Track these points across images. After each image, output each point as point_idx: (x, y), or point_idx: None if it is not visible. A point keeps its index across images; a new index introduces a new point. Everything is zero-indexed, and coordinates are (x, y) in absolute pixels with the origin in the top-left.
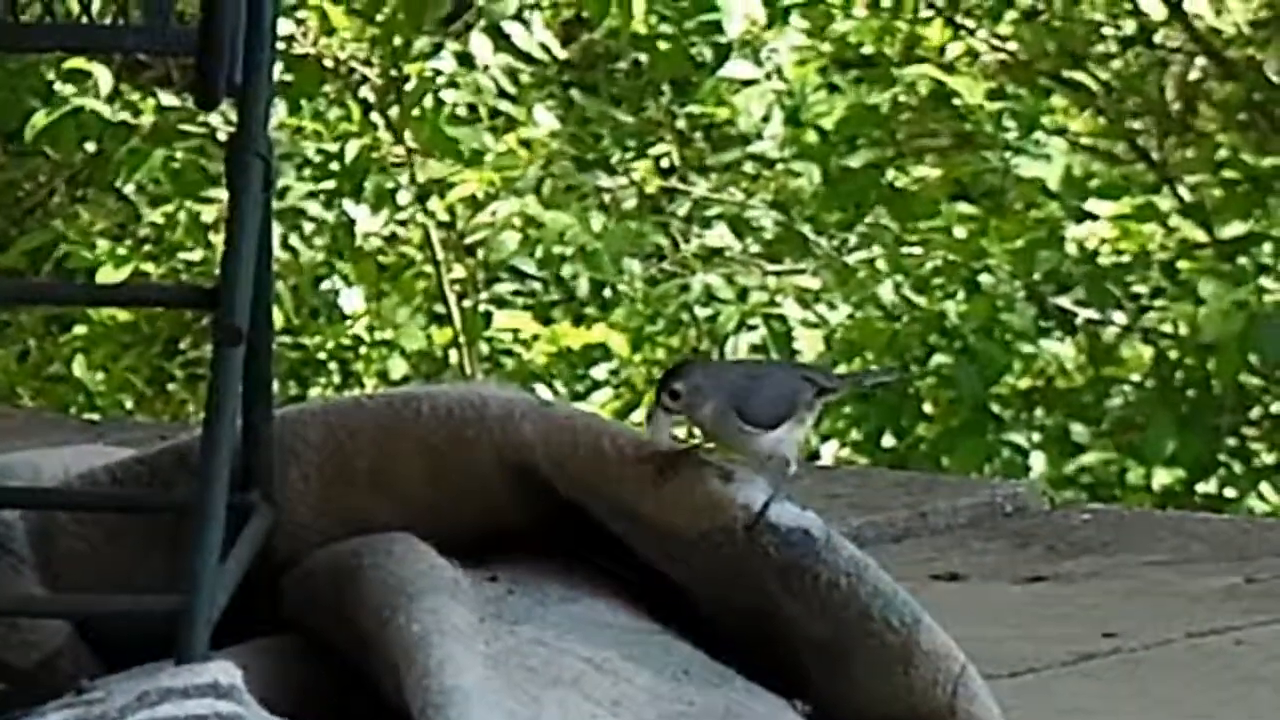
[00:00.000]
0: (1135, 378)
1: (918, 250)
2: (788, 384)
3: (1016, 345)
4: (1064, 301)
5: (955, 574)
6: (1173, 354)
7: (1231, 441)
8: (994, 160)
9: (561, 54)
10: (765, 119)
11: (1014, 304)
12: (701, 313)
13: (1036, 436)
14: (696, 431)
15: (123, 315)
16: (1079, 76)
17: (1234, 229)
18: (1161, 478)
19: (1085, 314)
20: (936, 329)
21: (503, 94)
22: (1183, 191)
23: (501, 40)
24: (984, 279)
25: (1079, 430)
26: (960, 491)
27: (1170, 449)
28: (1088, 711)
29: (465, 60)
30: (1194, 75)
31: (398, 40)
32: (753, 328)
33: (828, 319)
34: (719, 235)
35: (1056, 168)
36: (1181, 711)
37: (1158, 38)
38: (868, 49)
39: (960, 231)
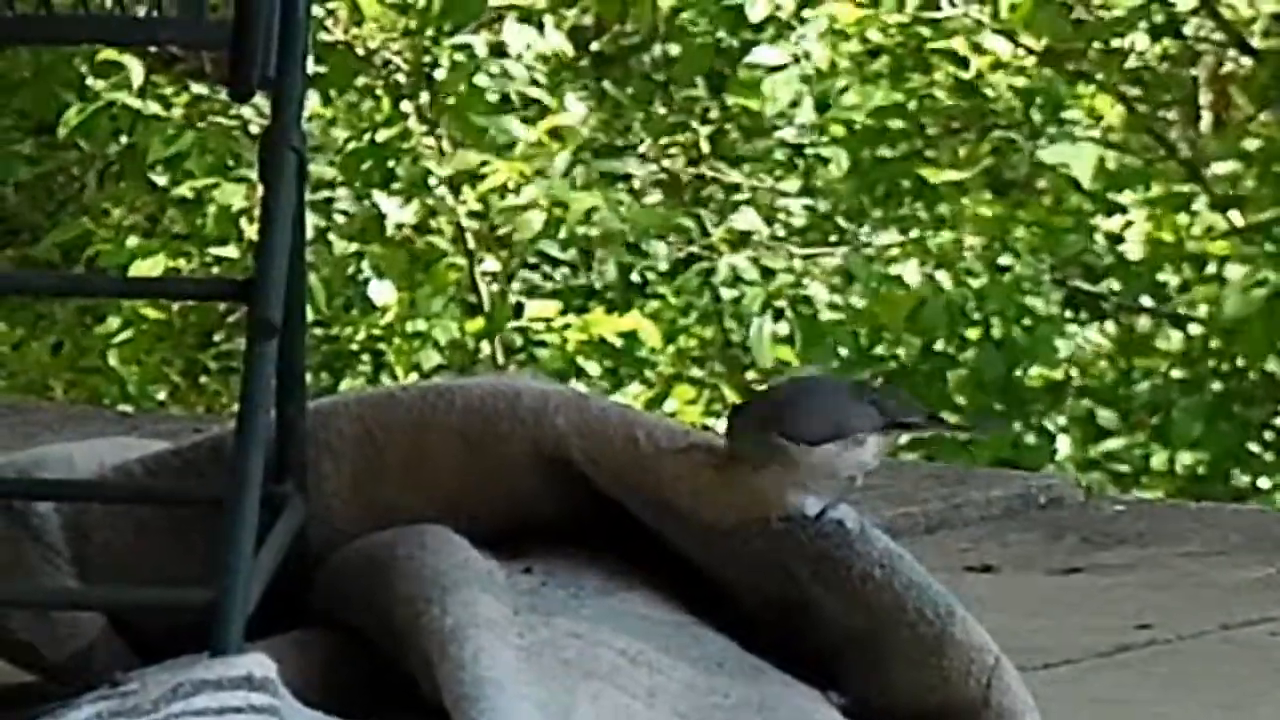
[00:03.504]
0: (1165, 367)
1: (945, 234)
2: (839, 404)
3: (1042, 331)
4: (1090, 288)
5: (989, 565)
6: (1198, 335)
7: (1267, 434)
8: (1019, 144)
9: (571, 51)
10: (794, 104)
11: (1040, 287)
12: (727, 294)
13: (1062, 420)
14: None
15: (154, 310)
16: (1108, 68)
17: (1267, 216)
18: (1185, 462)
19: (1113, 299)
20: (959, 311)
21: (534, 83)
22: (1214, 183)
23: (529, 33)
24: (1007, 260)
25: (1106, 415)
26: (994, 483)
27: (1197, 432)
28: (1122, 702)
29: (496, 50)
30: (1227, 67)
31: (429, 30)
32: (779, 311)
33: (853, 303)
34: (747, 220)
35: (1087, 161)
36: (1216, 702)
37: (1188, 29)
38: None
39: (985, 212)
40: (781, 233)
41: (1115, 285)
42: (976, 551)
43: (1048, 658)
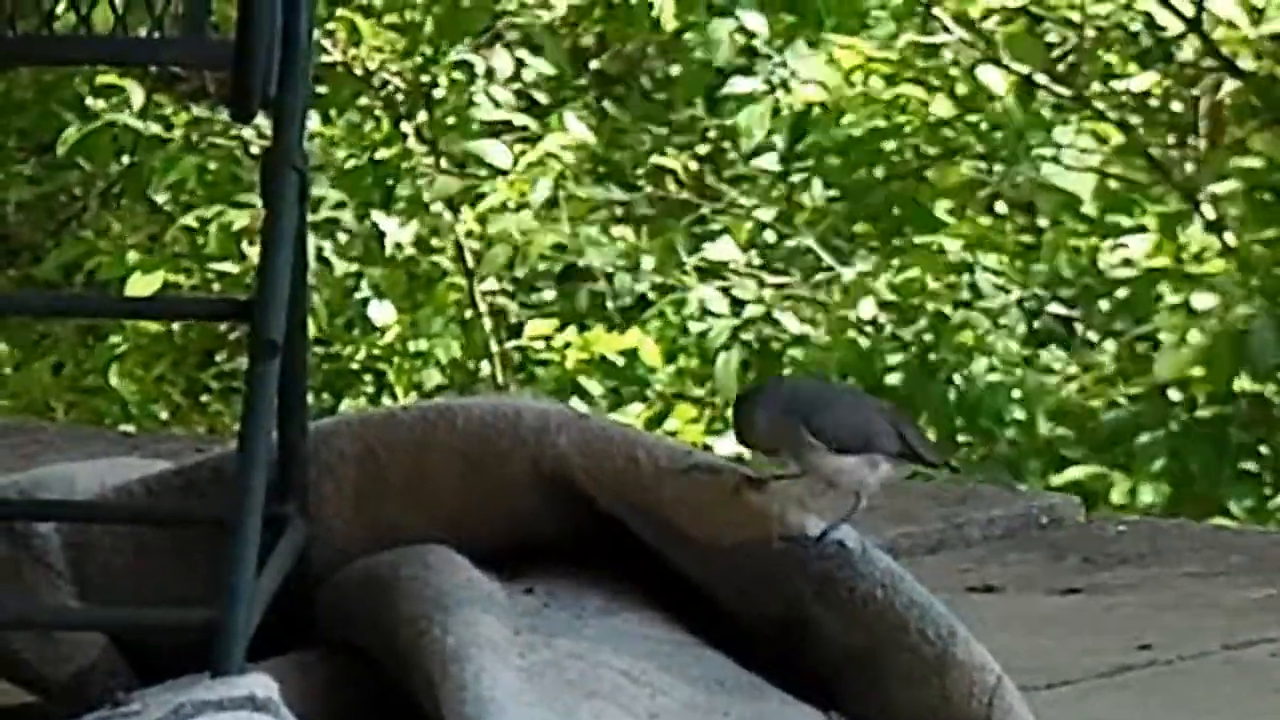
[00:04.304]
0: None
1: (912, 270)
2: (867, 419)
3: (1001, 369)
4: (1066, 313)
5: (991, 586)
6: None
7: (1252, 455)
8: (1016, 169)
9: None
10: (771, 133)
11: (1002, 318)
12: (696, 327)
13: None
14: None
15: (155, 327)
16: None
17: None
18: (1147, 491)
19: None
20: (915, 349)
21: (533, 103)
22: (1207, 207)
23: (525, 54)
24: (975, 290)
25: (1071, 443)
26: (996, 503)
27: (1160, 462)
28: None
29: (492, 74)
30: (1224, 91)
31: (427, 50)
32: (745, 342)
33: (819, 336)
34: (723, 250)
35: (1087, 183)
36: None
37: (1182, 55)
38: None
39: (955, 244)
40: (758, 261)
41: (1098, 308)
42: (978, 572)
43: (1049, 678)
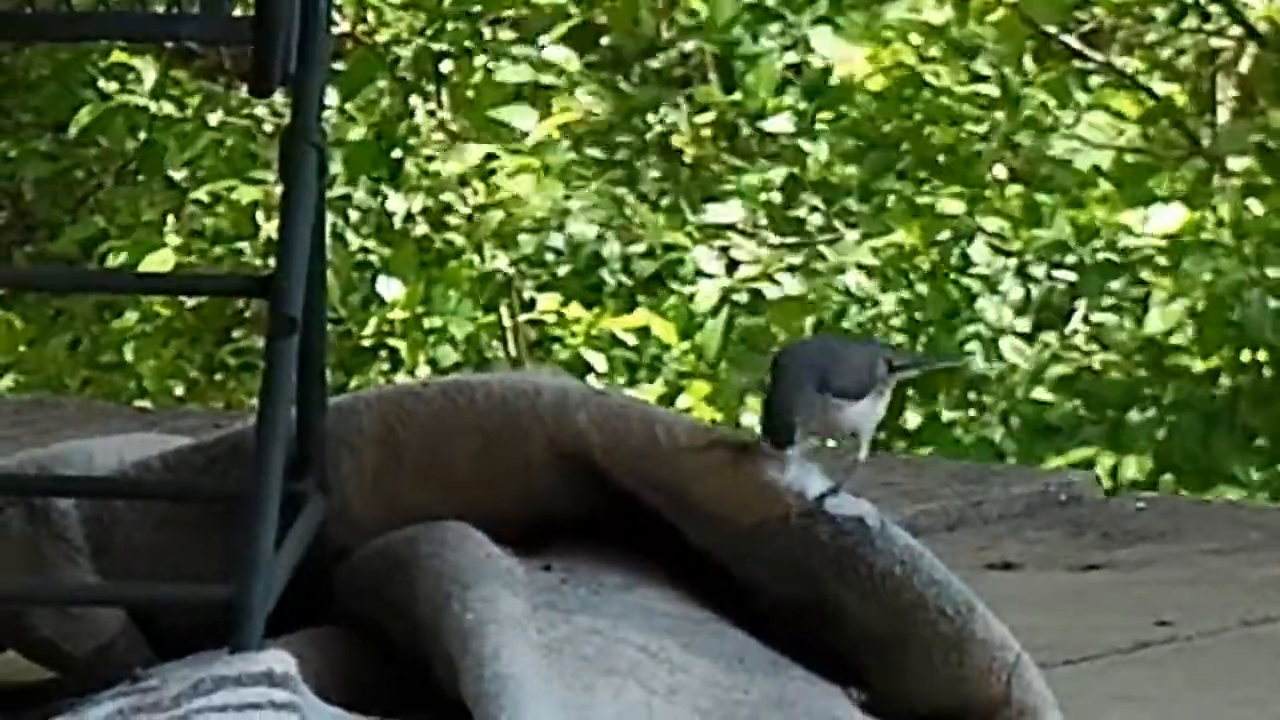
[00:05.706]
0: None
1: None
2: (866, 355)
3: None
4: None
5: (1009, 563)
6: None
7: (1259, 429)
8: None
9: (576, 64)
10: (780, 91)
11: (998, 285)
12: (687, 290)
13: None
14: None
15: (171, 305)
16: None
17: None
18: (1133, 470)
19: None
20: (893, 318)
21: (545, 64)
22: (1233, 178)
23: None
24: (965, 258)
25: (1067, 418)
26: (1014, 480)
27: (1160, 434)
28: (1142, 699)
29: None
30: (1245, 63)
31: (437, 23)
32: (737, 304)
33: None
34: (729, 213)
35: (1106, 160)
36: (1236, 698)
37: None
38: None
39: (958, 207)
40: (764, 221)
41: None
42: (997, 549)
43: (1068, 654)
